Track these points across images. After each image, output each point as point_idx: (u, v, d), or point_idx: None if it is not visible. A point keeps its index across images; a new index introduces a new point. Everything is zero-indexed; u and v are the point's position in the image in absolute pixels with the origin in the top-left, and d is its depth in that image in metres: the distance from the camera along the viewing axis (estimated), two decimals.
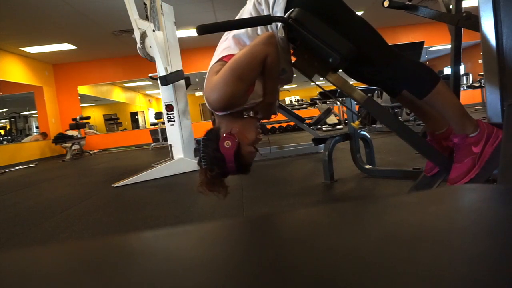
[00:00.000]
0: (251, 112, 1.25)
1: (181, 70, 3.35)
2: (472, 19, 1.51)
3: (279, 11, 1.16)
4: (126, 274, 0.18)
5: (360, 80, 1.24)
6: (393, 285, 0.15)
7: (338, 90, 1.52)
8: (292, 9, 1.11)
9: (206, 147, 1.18)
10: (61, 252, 0.24)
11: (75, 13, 5.75)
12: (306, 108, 10.81)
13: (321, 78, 1.18)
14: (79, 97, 9.34)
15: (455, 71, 1.64)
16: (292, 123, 8.35)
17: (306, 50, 1.16)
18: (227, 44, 1.20)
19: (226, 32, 1.26)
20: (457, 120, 1.15)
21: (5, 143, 9.43)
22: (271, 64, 1.11)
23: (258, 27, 1.20)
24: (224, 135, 1.16)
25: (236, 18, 1.26)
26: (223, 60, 1.16)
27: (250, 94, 1.16)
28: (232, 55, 1.14)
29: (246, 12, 1.26)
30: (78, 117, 8.02)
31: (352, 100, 2.18)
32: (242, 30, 1.20)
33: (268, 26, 1.20)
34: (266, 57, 1.08)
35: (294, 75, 1.45)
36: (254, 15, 1.21)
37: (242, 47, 1.16)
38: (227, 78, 1.06)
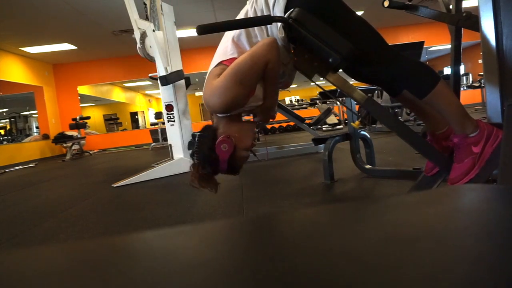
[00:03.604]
0: (250, 114, 1.26)
1: (181, 70, 3.34)
2: (472, 19, 1.51)
3: (278, 11, 1.16)
4: (126, 274, 0.18)
5: (360, 80, 1.24)
6: (393, 285, 0.15)
7: (338, 90, 1.52)
8: (292, 9, 1.11)
9: (201, 144, 1.19)
10: (61, 252, 0.24)
11: (75, 13, 5.75)
12: (306, 108, 10.80)
13: (321, 78, 1.19)
14: (79, 97, 9.34)
15: (455, 71, 1.64)
16: (292, 123, 8.34)
17: (306, 50, 1.16)
18: (227, 47, 1.21)
19: (226, 33, 1.26)
20: (457, 120, 1.15)
21: (5, 143, 9.44)
22: (272, 69, 1.11)
23: (256, 29, 1.20)
24: (222, 137, 1.17)
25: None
26: (223, 64, 1.17)
27: (251, 97, 1.17)
28: (232, 59, 1.14)
29: (243, 12, 1.26)
30: (78, 117, 8.02)
31: (352, 100, 2.18)
32: (242, 34, 1.20)
33: (269, 27, 1.20)
34: (268, 62, 1.09)
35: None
36: (251, 15, 1.21)
37: (242, 50, 1.17)
38: (229, 83, 1.07)
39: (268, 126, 8.83)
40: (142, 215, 1.80)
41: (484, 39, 1.11)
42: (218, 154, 1.16)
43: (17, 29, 6.17)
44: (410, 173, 1.85)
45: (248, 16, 1.22)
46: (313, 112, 9.29)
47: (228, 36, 1.24)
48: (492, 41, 1.08)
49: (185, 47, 7.76)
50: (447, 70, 9.77)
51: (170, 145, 3.39)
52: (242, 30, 1.20)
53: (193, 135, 1.21)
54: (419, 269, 0.16)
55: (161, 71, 3.21)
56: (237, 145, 1.18)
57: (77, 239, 1.51)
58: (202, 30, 1.06)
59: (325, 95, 4.94)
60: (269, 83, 1.17)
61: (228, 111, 1.14)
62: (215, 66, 1.18)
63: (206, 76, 1.19)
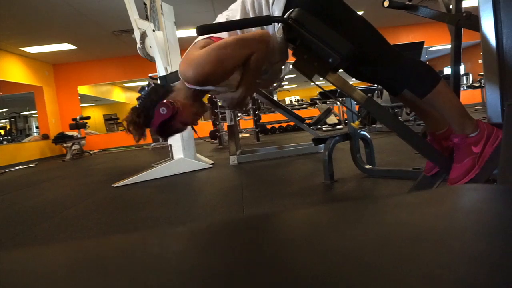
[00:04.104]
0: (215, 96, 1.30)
1: None
2: (472, 19, 1.51)
3: (277, 11, 1.16)
4: (126, 274, 0.18)
5: (361, 79, 1.24)
6: (393, 285, 0.15)
7: (338, 90, 1.52)
8: (292, 9, 1.11)
9: (148, 95, 1.23)
10: (61, 252, 0.24)
11: (75, 13, 5.75)
12: (306, 108, 10.80)
13: (321, 78, 1.19)
14: (79, 97, 9.34)
15: (455, 71, 1.64)
16: (292, 123, 8.34)
17: (306, 51, 1.16)
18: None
19: (222, 13, 1.28)
20: (457, 120, 1.15)
21: (5, 143, 9.43)
22: (255, 61, 1.13)
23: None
24: (167, 101, 1.20)
25: (230, 7, 1.29)
26: (211, 39, 1.18)
27: (225, 80, 1.17)
28: (220, 38, 1.15)
29: (239, 1, 1.26)
30: (78, 117, 8.02)
31: (352, 100, 2.18)
32: (237, 17, 1.21)
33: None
34: (254, 52, 1.11)
35: (294, 75, 1.44)
36: (249, 7, 1.22)
37: (233, 33, 1.18)
38: (210, 57, 1.08)
39: (268, 126, 8.83)
40: (142, 215, 1.80)
41: (484, 39, 1.11)
42: (155, 113, 1.20)
43: (17, 29, 6.16)
44: (410, 173, 1.85)
45: (246, 8, 1.22)
46: (313, 112, 9.29)
47: (223, 15, 1.25)
48: (492, 41, 1.08)
49: (185, 47, 7.75)
50: (447, 70, 9.77)
51: (170, 145, 3.39)
52: (238, 14, 1.21)
53: (149, 84, 1.26)
54: (419, 269, 0.16)
55: (161, 71, 3.21)
56: (177, 115, 1.22)
57: (77, 239, 1.51)
58: (202, 30, 1.07)
59: (325, 95, 4.94)
60: (247, 74, 1.17)
61: (199, 84, 1.14)
62: (203, 38, 1.19)
63: (190, 46, 1.19)
